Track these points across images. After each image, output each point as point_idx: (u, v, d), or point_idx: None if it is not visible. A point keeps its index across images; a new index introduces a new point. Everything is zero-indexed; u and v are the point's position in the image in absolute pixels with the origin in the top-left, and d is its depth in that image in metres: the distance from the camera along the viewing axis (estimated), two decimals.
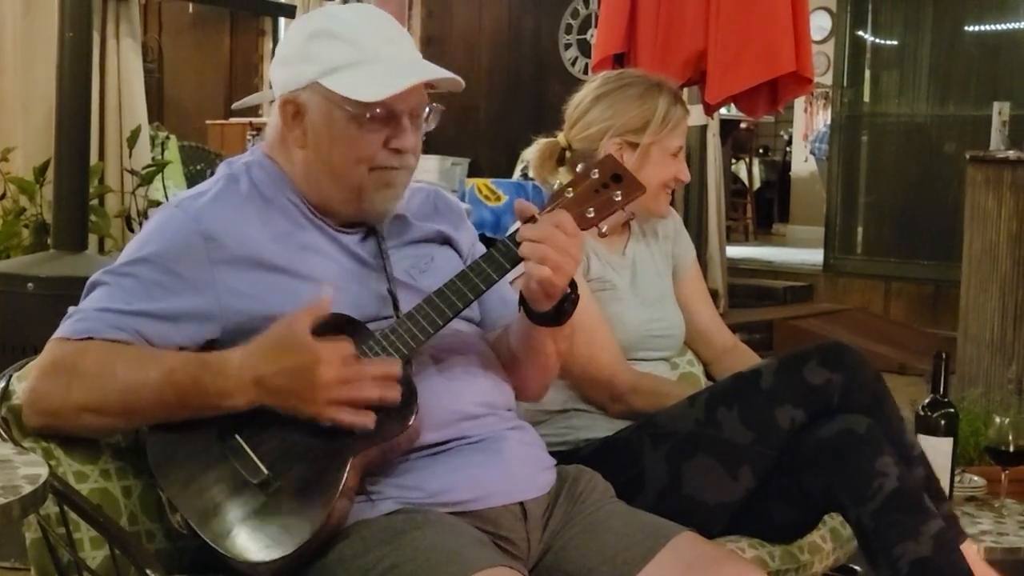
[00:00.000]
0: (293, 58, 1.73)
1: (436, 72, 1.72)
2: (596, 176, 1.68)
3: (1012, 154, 4.82)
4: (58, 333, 1.62)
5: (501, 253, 1.65)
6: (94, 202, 4.09)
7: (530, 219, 1.65)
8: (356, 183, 1.71)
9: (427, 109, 1.76)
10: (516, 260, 1.64)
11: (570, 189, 1.68)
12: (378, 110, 1.68)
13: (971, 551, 2.08)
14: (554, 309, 1.69)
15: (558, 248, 1.61)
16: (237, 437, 1.57)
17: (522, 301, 1.71)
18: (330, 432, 1.56)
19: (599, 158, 1.72)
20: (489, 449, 1.70)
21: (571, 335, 1.83)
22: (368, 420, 1.55)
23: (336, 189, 1.73)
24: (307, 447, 1.56)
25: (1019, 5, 7.72)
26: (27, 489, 1.28)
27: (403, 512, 1.61)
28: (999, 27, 7.88)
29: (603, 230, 1.68)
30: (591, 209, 1.67)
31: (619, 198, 1.68)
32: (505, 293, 1.84)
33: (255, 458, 1.55)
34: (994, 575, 2.07)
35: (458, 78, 1.74)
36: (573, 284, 1.70)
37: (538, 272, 1.61)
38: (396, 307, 1.71)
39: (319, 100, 1.70)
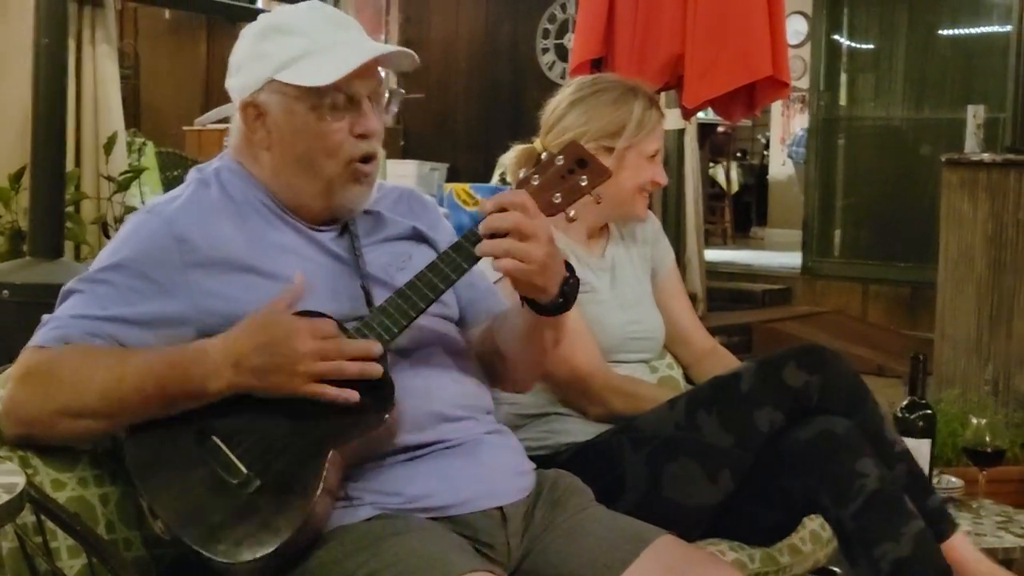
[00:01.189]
0: (246, 61, 1.74)
1: (388, 48, 1.72)
2: (561, 162, 1.67)
3: (987, 157, 4.84)
4: (33, 341, 1.61)
5: (471, 242, 1.64)
6: (70, 209, 4.06)
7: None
8: (326, 176, 1.71)
9: (387, 94, 1.76)
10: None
11: (536, 176, 1.67)
12: (337, 96, 1.68)
13: (965, 541, 2.09)
14: (555, 297, 1.67)
15: (522, 236, 1.58)
16: (214, 438, 1.56)
17: (524, 296, 1.69)
18: (307, 428, 1.56)
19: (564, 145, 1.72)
20: (468, 453, 1.70)
21: (565, 324, 1.81)
22: (351, 395, 1.54)
23: (307, 184, 1.72)
24: (285, 444, 1.55)
25: (992, 8, 7.77)
26: (4, 498, 1.27)
27: (382, 518, 1.60)
28: (973, 31, 7.94)
29: (571, 215, 1.68)
30: (558, 195, 1.66)
31: (585, 183, 1.67)
32: (478, 282, 1.83)
33: (233, 458, 1.54)
34: (988, 563, 2.08)
35: (412, 53, 1.74)
36: (570, 267, 1.69)
37: (503, 266, 1.59)
38: (370, 304, 1.70)
39: (278, 98, 1.70)
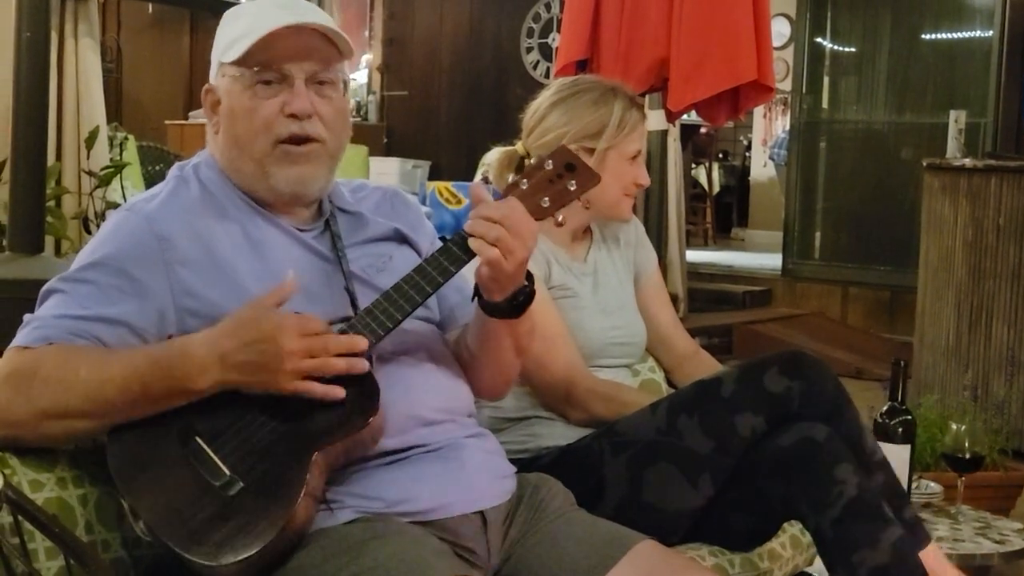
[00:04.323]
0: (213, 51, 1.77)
1: (301, 19, 1.68)
2: (550, 167, 1.68)
3: (968, 162, 4.87)
4: (15, 342, 1.59)
5: (457, 245, 1.64)
6: (51, 203, 4.05)
7: None
8: (257, 156, 1.71)
9: (342, 82, 1.75)
10: (472, 252, 1.63)
11: (524, 180, 1.68)
12: (269, 74, 1.69)
13: (937, 553, 2.10)
14: (507, 302, 1.69)
15: (511, 230, 1.60)
16: (198, 439, 1.55)
17: (477, 292, 1.71)
18: (292, 430, 1.55)
19: (553, 149, 1.72)
20: (449, 457, 1.70)
21: (531, 332, 1.82)
22: (337, 392, 1.54)
23: (244, 165, 1.73)
24: (269, 446, 1.54)
25: (975, 13, 7.81)
26: None
27: (363, 521, 1.60)
28: (955, 35, 7.97)
29: (559, 219, 1.69)
30: (546, 199, 1.67)
31: (574, 188, 1.68)
32: (464, 287, 1.83)
33: (216, 459, 1.53)
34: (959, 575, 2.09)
35: (340, 33, 1.71)
36: (530, 278, 1.69)
37: (487, 252, 1.60)
38: (354, 305, 1.70)
39: (224, 81, 1.73)
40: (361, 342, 1.57)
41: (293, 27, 1.67)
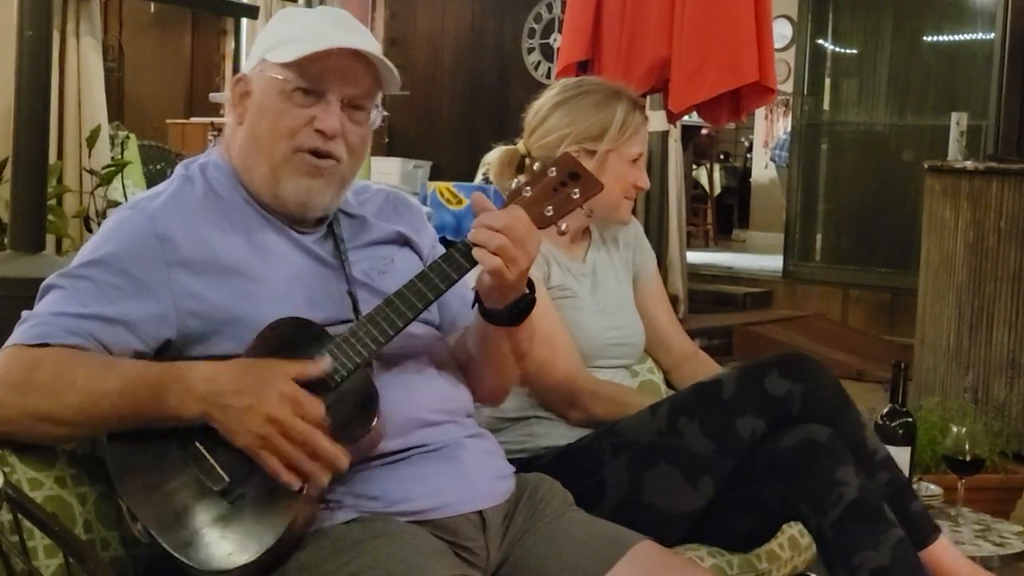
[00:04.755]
0: (254, 46, 1.77)
1: (358, 44, 1.69)
2: (554, 174, 1.67)
3: (969, 164, 4.86)
4: (12, 339, 1.59)
5: (461, 253, 1.64)
6: (52, 202, 4.04)
7: None
8: (275, 160, 1.70)
9: (373, 111, 1.75)
10: (475, 260, 1.63)
11: (528, 188, 1.67)
12: (307, 86, 1.68)
13: (948, 545, 2.10)
14: (508, 309, 1.68)
15: (514, 239, 1.59)
16: (197, 444, 1.54)
17: (478, 298, 1.70)
18: None
19: (556, 157, 1.72)
20: (448, 457, 1.70)
21: (531, 338, 1.81)
22: (292, 480, 1.49)
23: (257, 165, 1.72)
24: None
25: (977, 15, 7.80)
26: None
27: (362, 521, 1.60)
28: (957, 37, 7.97)
29: (562, 228, 1.68)
30: (549, 207, 1.66)
31: (577, 196, 1.67)
32: (466, 295, 1.84)
33: (216, 465, 1.53)
34: (970, 566, 2.09)
35: (394, 72, 1.73)
36: (531, 286, 1.69)
37: (490, 261, 1.59)
38: (356, 309, 1.70)
39: (262, 77, 1.72)
40: (342, 463, 1.52)
41: (347, 50, 1.68)
